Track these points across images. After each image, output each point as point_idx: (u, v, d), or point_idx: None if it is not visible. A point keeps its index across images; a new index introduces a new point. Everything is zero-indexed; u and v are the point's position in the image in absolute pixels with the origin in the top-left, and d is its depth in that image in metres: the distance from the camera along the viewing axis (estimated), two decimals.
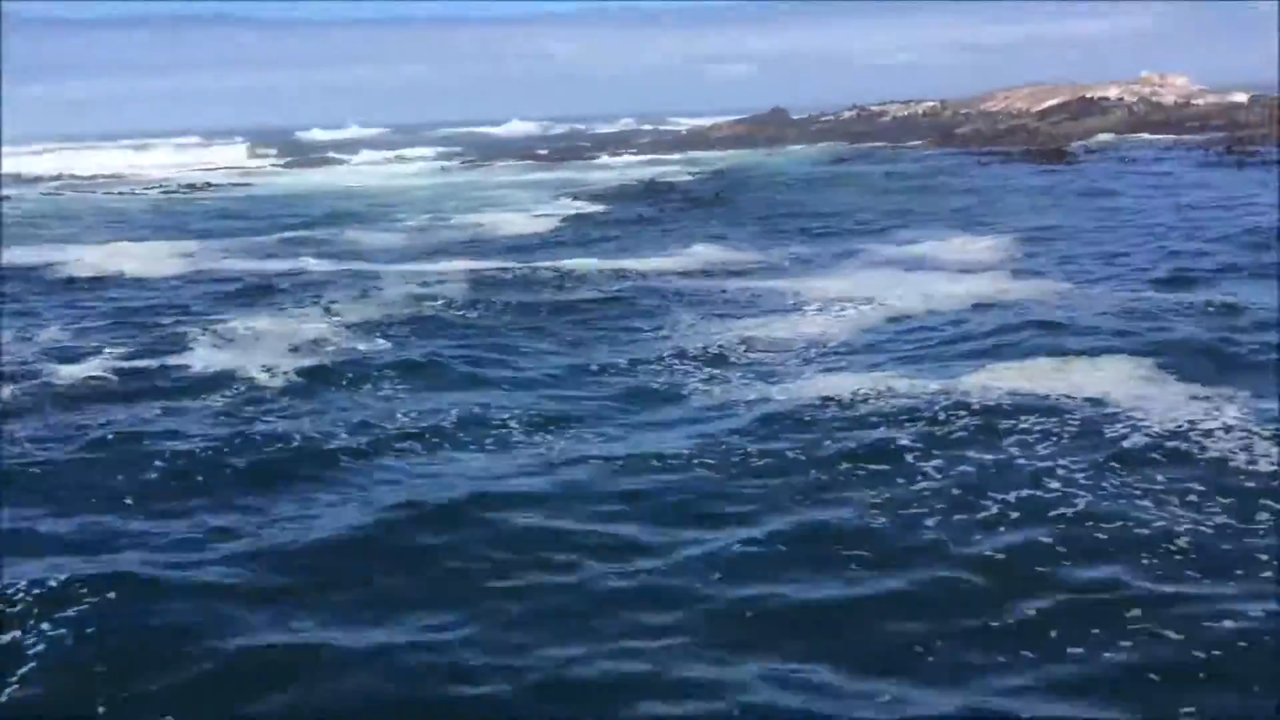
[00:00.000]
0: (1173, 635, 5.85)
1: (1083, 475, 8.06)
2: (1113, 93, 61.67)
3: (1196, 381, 10.13)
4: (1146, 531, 7.10)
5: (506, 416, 10.15)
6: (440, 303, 15.95)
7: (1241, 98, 57.88)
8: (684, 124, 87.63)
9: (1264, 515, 7.29)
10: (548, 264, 19.40)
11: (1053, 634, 5.94)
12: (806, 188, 34.94)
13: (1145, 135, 50.47)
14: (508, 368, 12.42)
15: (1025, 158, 40.12)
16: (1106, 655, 5.72)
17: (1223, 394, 9.72)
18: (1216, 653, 5.66)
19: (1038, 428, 9.04)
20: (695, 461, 8.75)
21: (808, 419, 9.62)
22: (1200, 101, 59.33)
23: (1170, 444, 8.50)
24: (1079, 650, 5.77)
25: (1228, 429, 8.73)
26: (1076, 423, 9.12)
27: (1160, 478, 7.99)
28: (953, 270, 17.44)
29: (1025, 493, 7.78)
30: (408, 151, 72.04)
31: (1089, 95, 59.82)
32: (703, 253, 20.53)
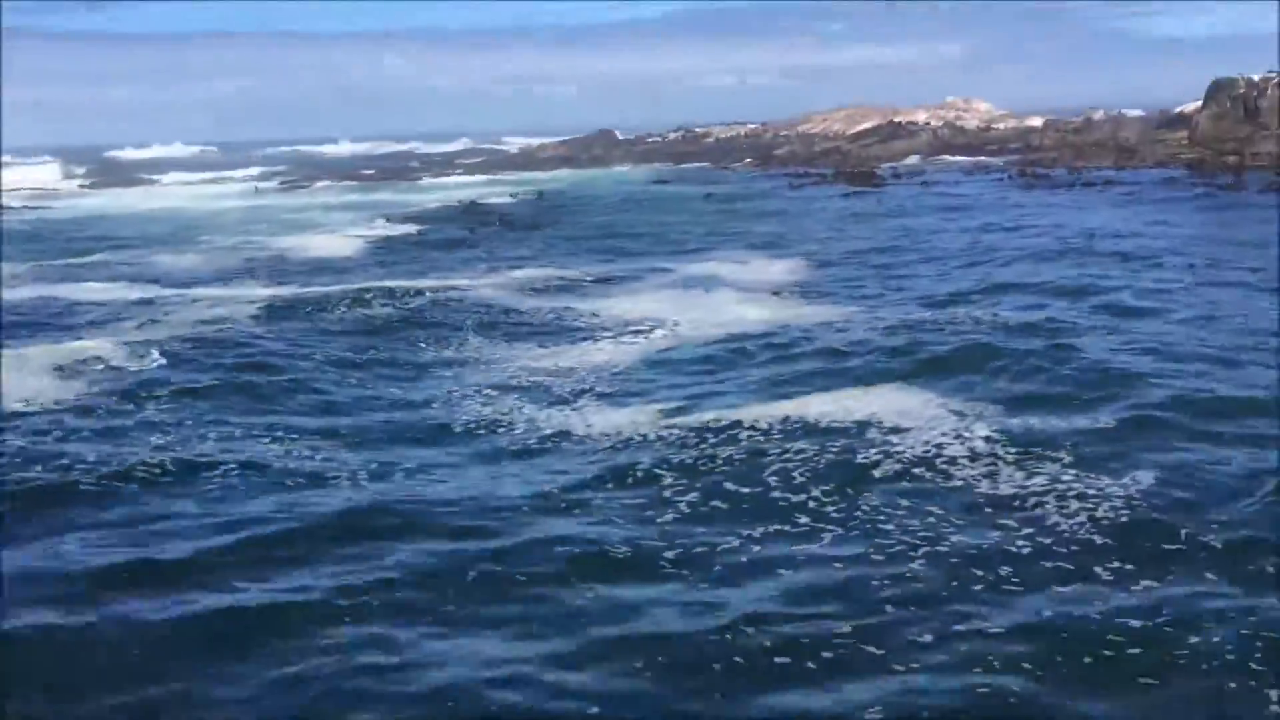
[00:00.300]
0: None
1: (834, 508, 8.12)
2: (921, 117, 64.49)
3: (959, 401, 10.42)
4: (881, 566, 7.13)
5: (269, 441, 9.84)
6: (228, 326, 15.40)
7: (1037, 122, 61.34)
8: (517, 144, 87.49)
9: (994, 535, 7.51)
10: (345, 287, 18.90)
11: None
12: (624, 209, 35.30)
13: (949, 158, 52.88)
14: (289, 393, 12.03)
15: (837, 180, 41.43)
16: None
17: (981, 413, 10.00)
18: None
19: (800, 456, 9.07)
20: (445, 487, 8.62)
21: (576, 451, 9.58)
22: (1000, 126, 62.64)
23: (917, 469, 8.68)
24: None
25: (974, 456, 8.89)
26: (837, 449, 9.19)
27: (905, 503, 8.12)
28: (750, 292, 17.81)
29: (774, 527, 7.82)
30: (232, 171, 69.80)
31: (898, 119, 62.40)
32: (508, 276, 20.42)
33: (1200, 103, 48.23)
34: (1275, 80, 45.34)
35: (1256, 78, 46.05)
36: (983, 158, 51.82)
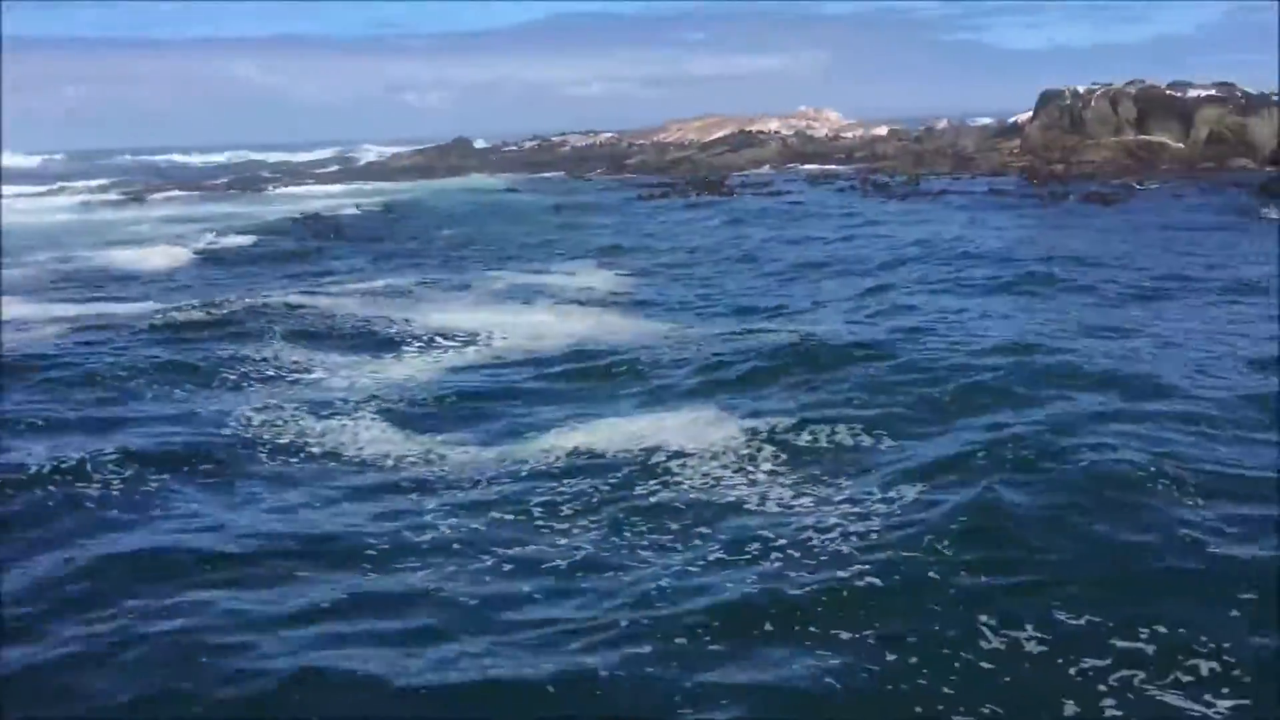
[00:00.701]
0: None
1: (594, 545, 7.81)
2: (773, 125, 65.75)
3: (754, 421, 10.21)
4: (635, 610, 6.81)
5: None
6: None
7: (883, 131, 63.13)
8: (376, 152, 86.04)
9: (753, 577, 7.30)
10: (155, 305, 18.18)
11: None
12: (468, 219, 34.87)
13: (799, 166, 53.93)
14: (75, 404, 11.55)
15: (686, 190, 41.72)
16: None
17: (770, 434, 9.80)
18: None
19: (575, 489, 8.84)
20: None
21: (346, 485, 9.19)
22: (848, 135, 64.25)
23: (694, 496, 8.51)
24: None
25: (753, 483, 8.78)
26: (616, 480, 8.94)
27: (669, 540, 7.84)
28: (573, 304, 17.67)
29: (526, 563, 7.52)
30: (74, 183, 66.67)
31: (751, 129, 63.48)
32: (333, 288, 19.93)
33: (1031, 113, 50.39)
34: (1099, 92, 47.64)
35: (1082, 89, 48.30)
36: (830, 166, 52.99)
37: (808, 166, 53.54)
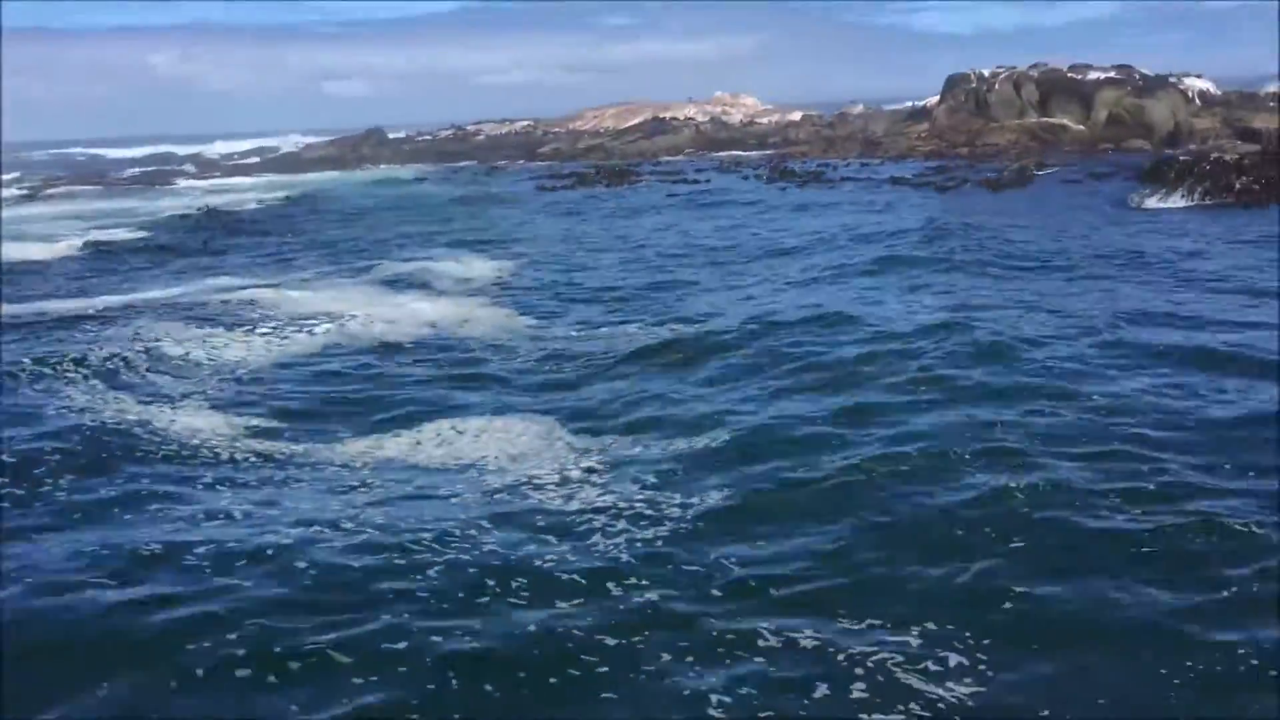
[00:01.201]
0: None
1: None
2: (689, 111, 65.63)
3: (588, 439, 9.73)
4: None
5: None
6: None
7: (796, 116, 63.37)
8: (294, 143, 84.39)
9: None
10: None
11: None
12: (370, 211, 34.37)
13: (712, 153, 53.94)
14: None
15: (596, 178, 41.40)
16: None
17: (623, 456, 9.20)
18: None
19: (372, 479, 8.57)
20: None
21: (133, 454, 8.98)
22: (764, 120, 64.38)
23: (501, 499, 8.13)
24: None
25: (562, 484, 8.45)
26: (413, 487, 8.50)
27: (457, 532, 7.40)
28: (443, 293, 17.43)
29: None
30: None
31: (665, 115, 63.32)
32: (210, 281, 19.60)
33: (939, 97, 50.87)
34: (1003, 75, 48.22)
35: (987, 73, 48.84)
36: (743, 153, 53.08)
37: (721, 153, 53.60)
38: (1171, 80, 45.31)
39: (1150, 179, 28.20)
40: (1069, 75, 46.38)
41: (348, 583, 6.69)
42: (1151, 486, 7.71)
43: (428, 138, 68.12)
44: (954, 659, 5.75)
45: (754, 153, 52.80)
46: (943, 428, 9.01)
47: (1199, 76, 46.21)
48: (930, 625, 6.06)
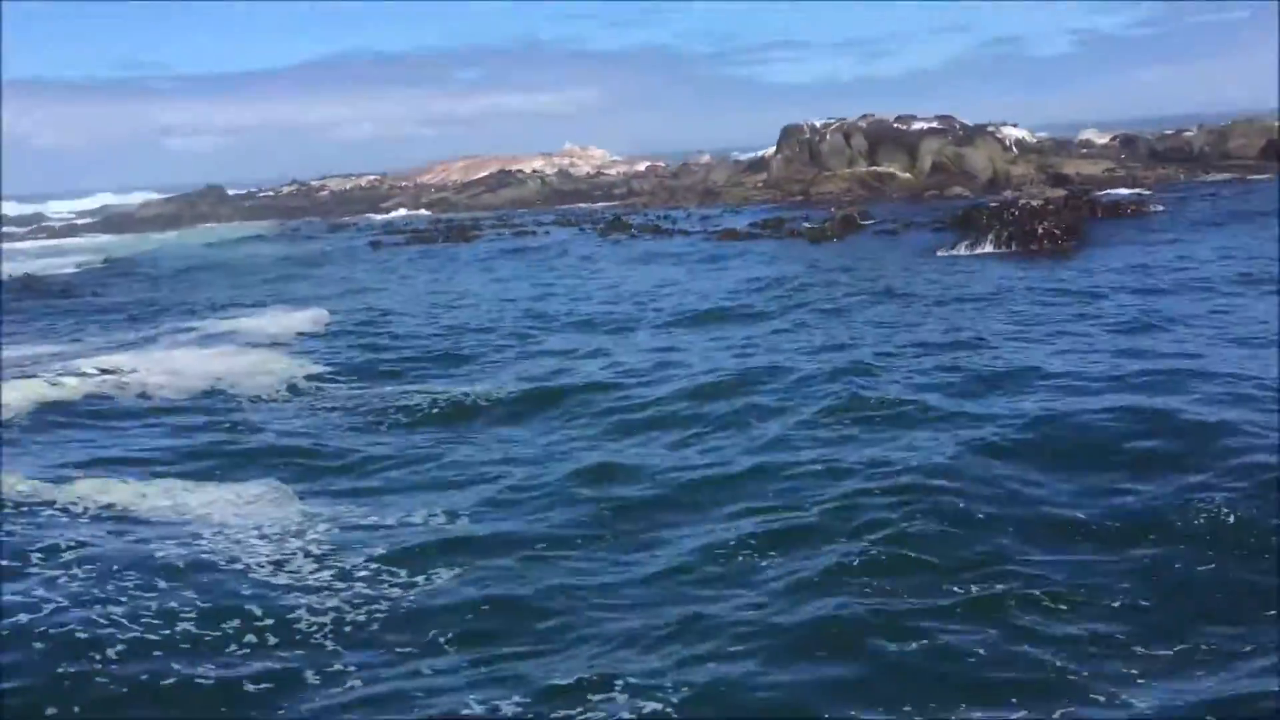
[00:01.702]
0: None
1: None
2: (537, 164, 65.87)
3: (326, 503, 9.40)
4: None
5: None
6: None
7: (642, 167, 64.20)
8: (136, 200, 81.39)
9: None
10: None
11: None
12: (192, 272, 33.28)
13: (559, 205, 54.11)
14: None
15: (432, 234, 40.88)
16: None
17: (357, 525, 8.90)
18: None
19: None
20: None
21: None
22: (611, 172, 65.04)
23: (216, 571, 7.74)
24: None
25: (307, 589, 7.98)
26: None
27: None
28: (234, 349, 17.01)
29: None
30: None
31: (512, 168, 63.40)
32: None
33: (775, 147, 52.14)
34: (834, 126, 49.73)
35: (819, 124, 50.30)
36: (586, 204, 53.40)
37: (566, 206, 53.82)
38: (990, 129, 47.43)
39: (960, 227, 29.24)
40: (895, 125, 48.10)
41: None
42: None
43: (270, 194, 66.61)
44: None
45: (600, 204, 53.20)
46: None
47: (1015, 125, 48.48)
48: None
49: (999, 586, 6.92)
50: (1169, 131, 52.07)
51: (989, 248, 26.73)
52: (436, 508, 9.23)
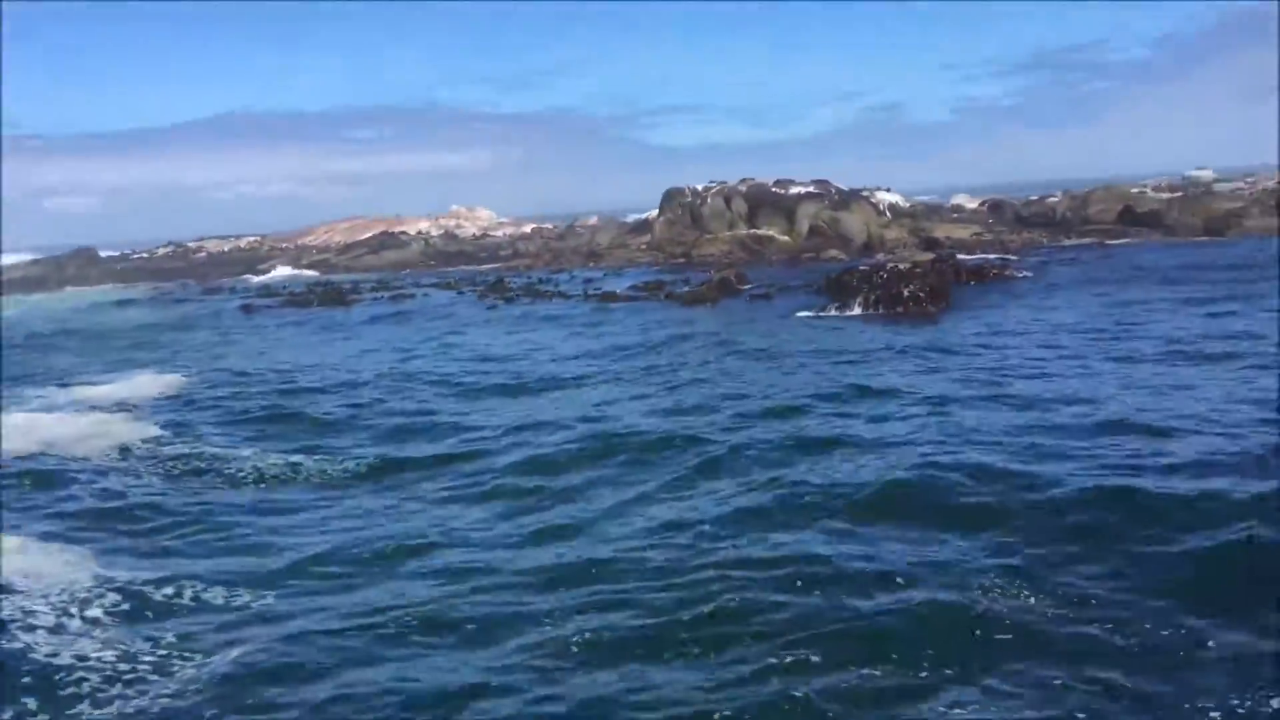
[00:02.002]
0: None
1: None
2: (423, 225, 65.35)
3: (125, 572, 8.91)
4: None
5: None
6: None
7: (528, 229, 64.19)
8: (5, 262, 78.22)
9: None
10: None
11: None
12: (49, 338, 31.94)
13: (443, 267, 53.63)
14: None
15: (308, 297, 39.98)
16: None
17: (154, 600, 8.48)
18: None
19: None
20: None
21: None
22: (498, 233, 64.85)
23: None
24: None
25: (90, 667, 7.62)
26: None
27: None
28: (78, 413, 16.34)
29: None
30: None
31: (399, 229, 62.78)
32: None
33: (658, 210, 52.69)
34: (715, 190, 50.51)
35: (700, 187, 51.03)
36: (470, 266, 53.07)
37: (450, 268, 53.39)
38: (864, 194, 48.69)
39: (831, 290, 29.77)
40: (774, 189, 49.06)
41: None
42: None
43: (144, 256, 64.68)
44: None
45: (485, 266, 52.92)
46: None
47: (888, 190, 49.88)
48: None
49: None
50: (1034, 198, 54.18)
51: (857, 310, 27.26)
52: (234, 576, 8.85)
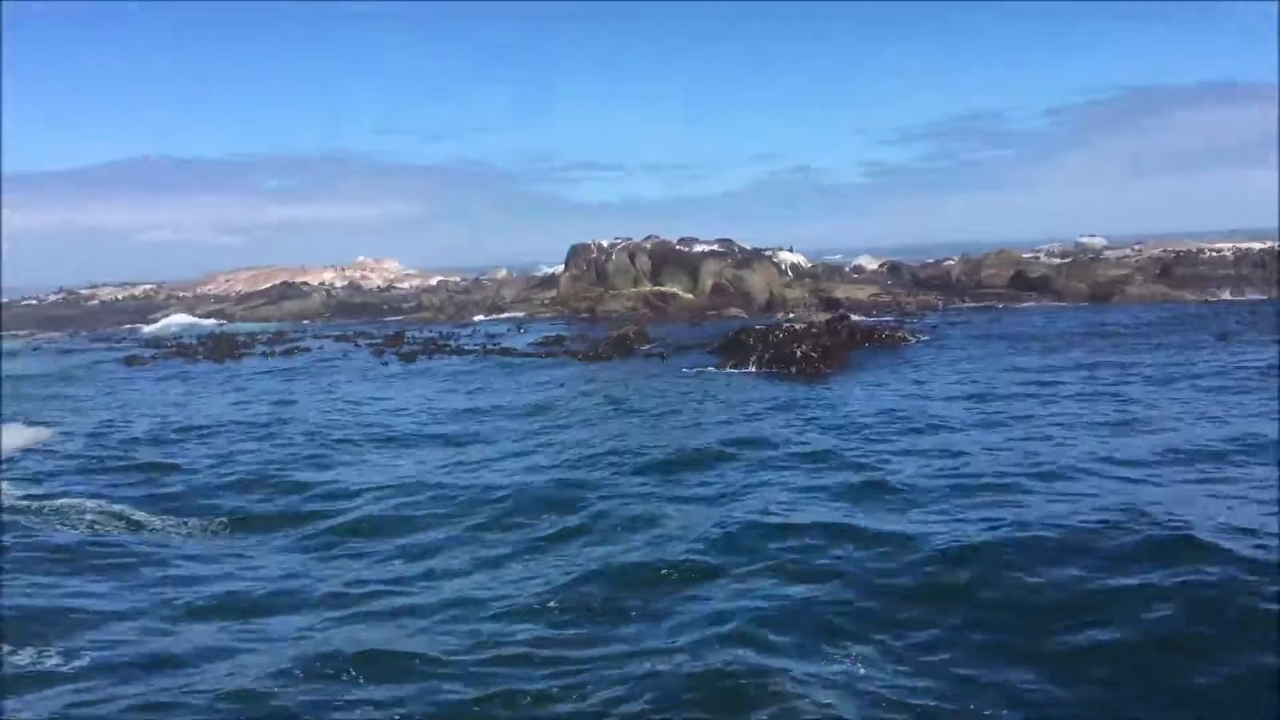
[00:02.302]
0: None
1: None
2: (327, 276, 64.47)
3: None
4: None
5: None
6: None
7: (434, 281, 63.74)
8: None
9: None
10: None
11: None
12: None
13: (343, 319, 52.75)
14: None
15: (196, 349, 38.88)
16: None
17: None
18: None
19: None
20: None
21: None
22: (404, 285, 64.23)
23: None
24: None
25: None
26: None
27: None
28: None
29: None
30: None
31: (303, 280, 61.82)
32: None
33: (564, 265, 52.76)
34: (620, 246, 50.77)
35: (606, 243, 51.27)
36: (373, 318, 52.35)
37: (351, 320, 52.57)
38: (767, 253, 49.38)
39: (726, 349, 29.98)
40: (678, 247, 49.50)
41: None
42: None
43: (33, 302, 62.62)
44: None
45: (388, 318, 52.23)
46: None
47: (791, 250, 50.65)
48: None
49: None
50: (931, 261, 55.50)
51: (751, 368, 27.51)
52: (41, 646, 8.38)
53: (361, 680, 7.46)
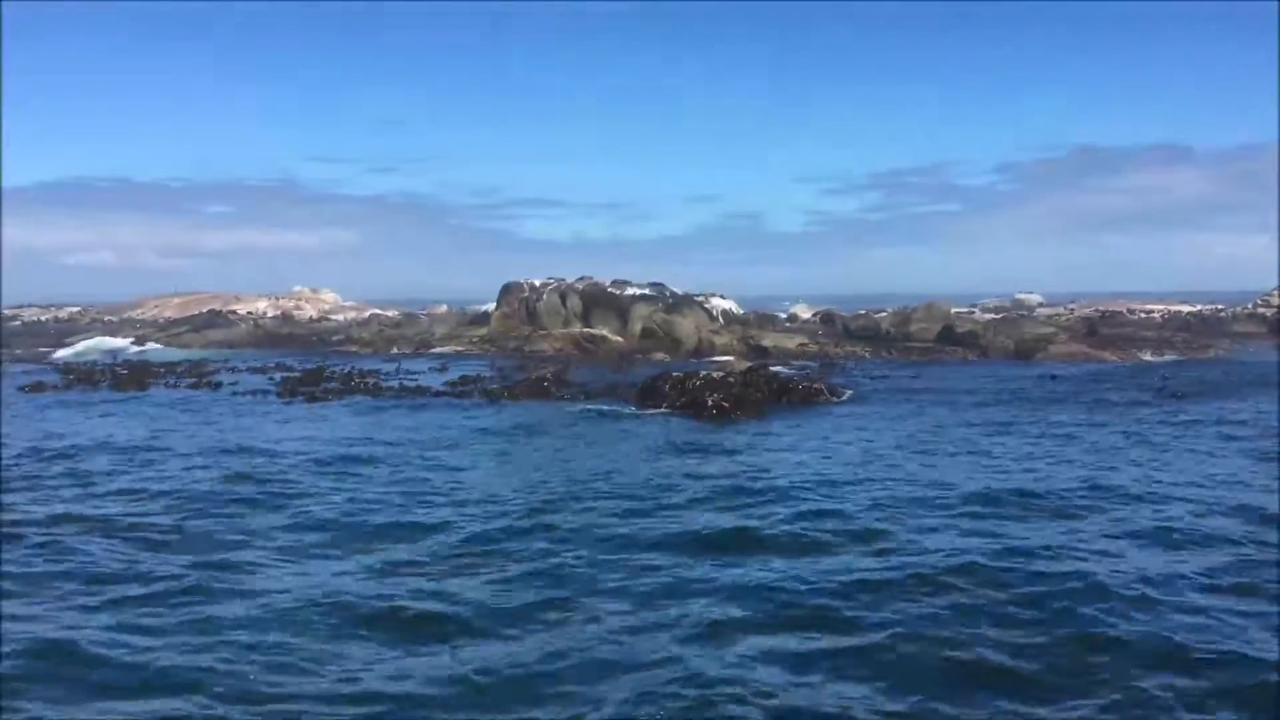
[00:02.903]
0: None
1: None
2: (259, 305, 63.53)
3: None
4: None
5: None
6: None
7: (366, 314, 63.07)
8: None
9: None
10: None
11: None
12: None
13: (269, 349, 51.83)
14: None
15: (100, 377, 37.77)
16: None
17: None
18: None
19: None
20: None
21: None
22: (337, 317, 63.43)
23: None
24: None
25: None
26: None
27: None
28: None
29: None
30: None
31: (232, 308, 60.87)
32: None
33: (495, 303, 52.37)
34: (551, 286, 50.48)
35: (538, 283, 50.97)
36: (300, 350, 51.51)
37: (278, 350, 51.65)
38: (699, 298, 49.30)
39: (642, 395, 29.71)
40: (610, 289, 49.32)
41: None
42: None
43: None
44: None
45: (316, 350, 51.41)
46: None
47: (723, 296, 50.61)
48: None
49: None
50: (863, 311, 55.73)
51: (664, 409, 27.47)
52: None
53: None
